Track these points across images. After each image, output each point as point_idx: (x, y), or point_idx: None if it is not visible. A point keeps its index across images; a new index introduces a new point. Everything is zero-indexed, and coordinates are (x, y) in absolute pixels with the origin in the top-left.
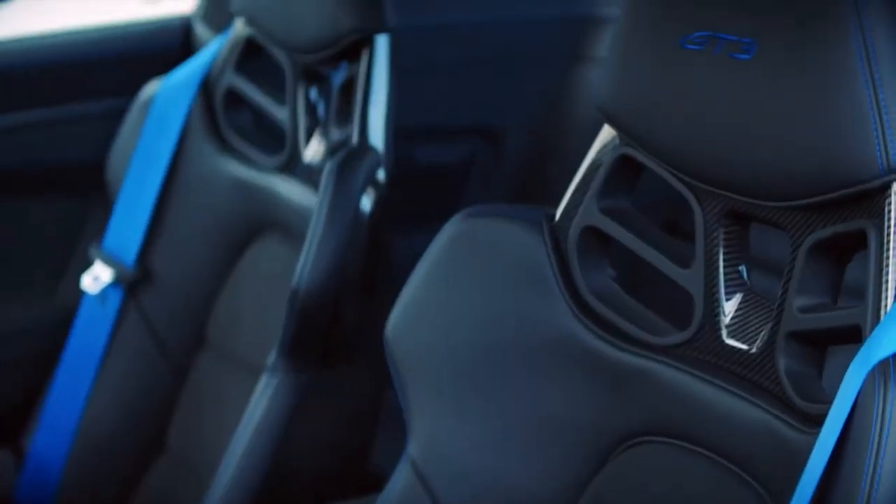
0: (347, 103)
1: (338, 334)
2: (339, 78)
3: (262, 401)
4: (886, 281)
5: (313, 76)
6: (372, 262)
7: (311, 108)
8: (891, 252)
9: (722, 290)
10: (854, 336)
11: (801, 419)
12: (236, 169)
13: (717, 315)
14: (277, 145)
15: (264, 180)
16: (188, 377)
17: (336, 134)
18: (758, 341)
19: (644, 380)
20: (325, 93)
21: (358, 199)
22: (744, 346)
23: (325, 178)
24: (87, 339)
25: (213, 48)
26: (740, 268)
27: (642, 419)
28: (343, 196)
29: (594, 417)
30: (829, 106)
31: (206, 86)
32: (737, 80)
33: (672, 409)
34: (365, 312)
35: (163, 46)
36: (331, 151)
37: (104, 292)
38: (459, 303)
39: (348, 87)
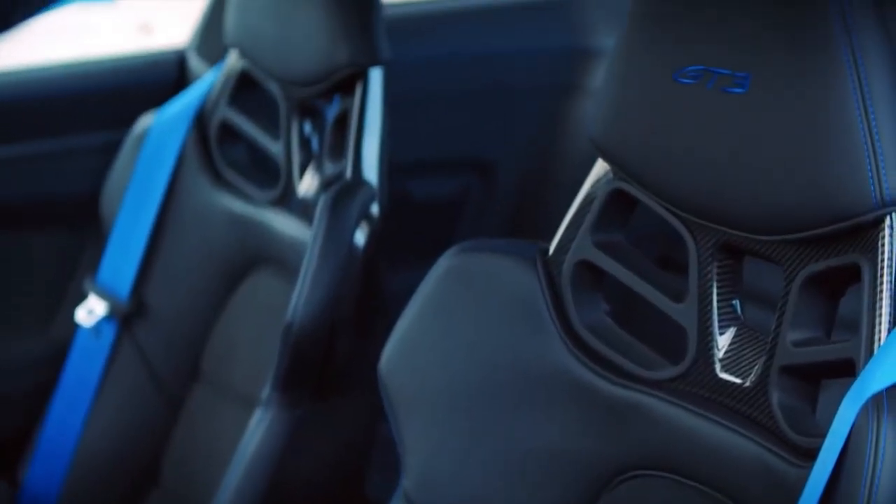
0: (341, 137)
1: (332, 368)
2: (332, 112)
3: (256, 434)
4: (880, 315)
5: (307, 110)
6: (366, 296)
7: (304, 143)
8: (884, 286)
9: (716, 324)
10: (847, 370)
11: (795, 453)
12: (231, 203)
13: (711, 349)
14: (271, 179)
15: (259, 214)
16: (182, 410)
17: (330, 168)
18: (751, 375)
19: (638, 414)
20: (318, 127)
21: (352, 234)
22: (737, 380)
23: (319, 212)
24: (81, 372)
25: (207, 81)
26: (734, 302)
27: (636, 453)
28: (337, 230)
29: (589, 451)
30: (823, 140)
31: (201, 119)
32: (730, 115)
33: (666, 443)
34: (359, 346)
35: (157, 79)
36: (325, 185)
37: (98, 325)
38: (454, 337)
39: (342, 121)
